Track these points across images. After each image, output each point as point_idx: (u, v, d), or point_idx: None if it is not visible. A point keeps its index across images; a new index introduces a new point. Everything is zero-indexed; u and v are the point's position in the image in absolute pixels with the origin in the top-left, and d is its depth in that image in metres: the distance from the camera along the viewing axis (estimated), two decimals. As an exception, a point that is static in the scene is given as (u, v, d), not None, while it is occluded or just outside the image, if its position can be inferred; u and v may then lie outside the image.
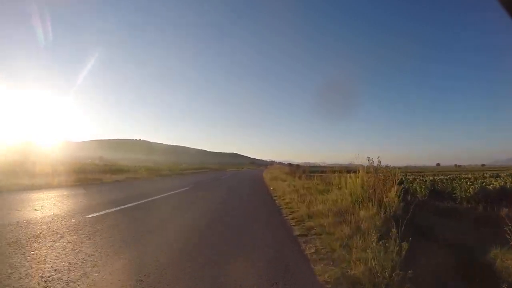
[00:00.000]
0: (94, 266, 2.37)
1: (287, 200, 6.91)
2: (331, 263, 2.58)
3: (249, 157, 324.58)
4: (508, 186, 6.44)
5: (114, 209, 5.29)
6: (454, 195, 7.71)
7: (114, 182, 13.00)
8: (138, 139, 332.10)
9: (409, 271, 2.01)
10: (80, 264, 2.41)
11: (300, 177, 12.38)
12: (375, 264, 2.14)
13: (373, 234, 2.63)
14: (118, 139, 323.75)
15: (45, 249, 2.78)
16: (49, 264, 2.41)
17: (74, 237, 3.30)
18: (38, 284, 2.03)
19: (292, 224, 4.43)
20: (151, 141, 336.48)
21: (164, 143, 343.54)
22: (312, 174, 20.20)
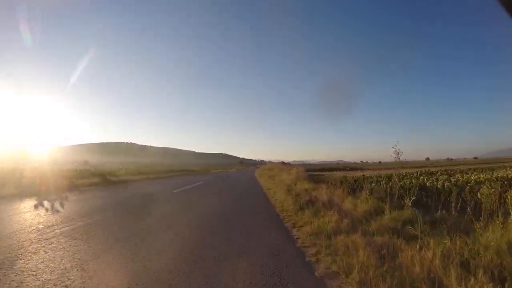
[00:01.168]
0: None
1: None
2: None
3: (238, 157, 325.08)
4: (439, 185, 6.85)
5: None
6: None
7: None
8: (126, 142, 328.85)
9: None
10: None
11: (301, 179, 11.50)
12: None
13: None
14: (105, 142, 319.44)
15: None
16: None
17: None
18: None
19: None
20: (140, 143, 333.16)
21: (153, 145, 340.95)
22: (314, 174, 20.60)
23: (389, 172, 13.31)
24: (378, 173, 13.38)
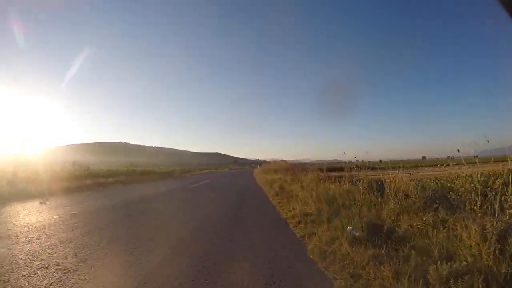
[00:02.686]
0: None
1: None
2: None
3: (233, 156, 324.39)
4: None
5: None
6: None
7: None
8: (119, 141, 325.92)
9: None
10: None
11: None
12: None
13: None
14: (99, 142, 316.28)
15: None
16: None
17: None
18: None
19: None
20: (134, 143, 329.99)
21: (148, 145, 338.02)
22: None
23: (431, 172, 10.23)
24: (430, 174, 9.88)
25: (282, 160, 31.64)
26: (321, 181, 10.20)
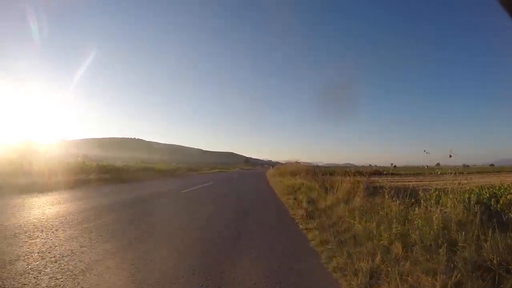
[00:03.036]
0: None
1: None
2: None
3: (245, 156, 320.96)
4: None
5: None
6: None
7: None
8: (133, 137, 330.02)
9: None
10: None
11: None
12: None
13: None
14: (113, 137, 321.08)
15: None
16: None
17: None
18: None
19: None
20: (147, 139, 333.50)
21: (160, 142, 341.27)
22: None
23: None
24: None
25: (297, 161, 27.42)
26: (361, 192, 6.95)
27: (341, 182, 8.68)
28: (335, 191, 8.11)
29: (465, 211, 4.02)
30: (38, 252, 3.46)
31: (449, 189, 4.76)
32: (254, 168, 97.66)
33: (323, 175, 15.25)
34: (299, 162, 25.52)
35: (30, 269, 2.97)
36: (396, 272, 2.73)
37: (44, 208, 6.56)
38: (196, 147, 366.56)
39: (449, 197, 4.47)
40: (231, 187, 15.55)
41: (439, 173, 6.70)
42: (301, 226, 5.45)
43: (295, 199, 9.10)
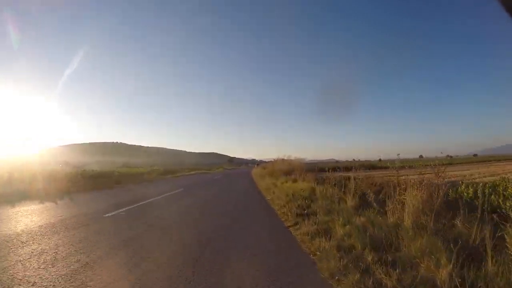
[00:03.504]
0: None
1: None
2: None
3: (229, 156, 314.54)
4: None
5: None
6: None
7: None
8: (115, 142, 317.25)
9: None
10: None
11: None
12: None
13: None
14: (94, 142, 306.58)
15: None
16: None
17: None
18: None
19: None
20: (129, 143, 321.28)
21: (143, 145, 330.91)
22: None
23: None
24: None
25: (289, 158, 22.67)
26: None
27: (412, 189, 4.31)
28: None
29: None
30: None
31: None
32: (239, 167, 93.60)
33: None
34: (291, 159, 20.76)
35: None
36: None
37: None
38: (180, 149, 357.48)
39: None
40: (205, 198, 10.62)
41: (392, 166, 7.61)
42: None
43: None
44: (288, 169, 16.56)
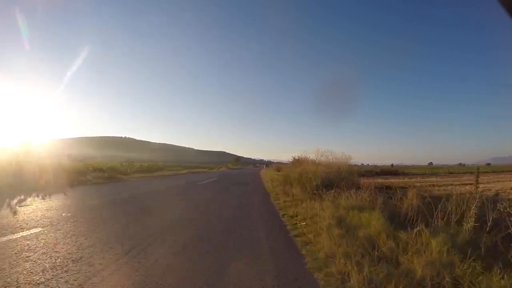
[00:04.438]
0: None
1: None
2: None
3: (238, 155, 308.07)
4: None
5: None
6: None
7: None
8: (124, 136, 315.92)
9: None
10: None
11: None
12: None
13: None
14: (103, 136, 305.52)
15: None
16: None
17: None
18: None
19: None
20: (137, 139, 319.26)
21: (151, 141, 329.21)
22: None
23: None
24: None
25: (295, 158, 13.64)
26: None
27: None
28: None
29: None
30: None
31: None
32: (245, 167, 77.63)
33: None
34: (329, 159, 11.49)
35: None
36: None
37: None
38: (188, 146, 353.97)
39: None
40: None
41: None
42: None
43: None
44: (328, 177, 8.36)
